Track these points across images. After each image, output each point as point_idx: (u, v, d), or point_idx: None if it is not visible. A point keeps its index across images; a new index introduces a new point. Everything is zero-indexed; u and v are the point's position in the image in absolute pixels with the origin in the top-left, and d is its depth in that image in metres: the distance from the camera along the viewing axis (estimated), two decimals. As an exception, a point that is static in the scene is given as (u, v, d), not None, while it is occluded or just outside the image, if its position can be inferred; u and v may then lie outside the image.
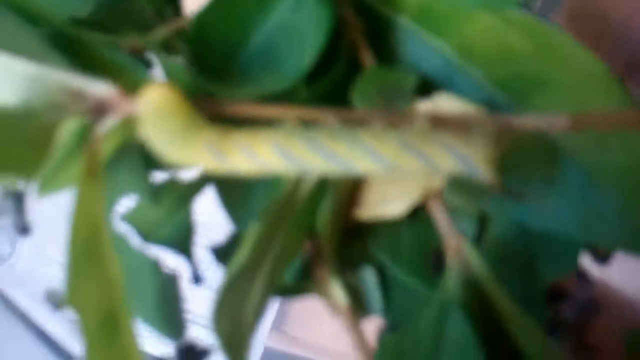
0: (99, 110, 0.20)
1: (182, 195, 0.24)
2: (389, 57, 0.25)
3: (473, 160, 0.19)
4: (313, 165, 0.19)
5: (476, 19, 0.23)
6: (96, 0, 0.25)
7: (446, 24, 0.24)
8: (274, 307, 0.66)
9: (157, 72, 0.24)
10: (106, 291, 0.20)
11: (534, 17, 0.23)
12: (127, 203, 0.25)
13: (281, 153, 0.19)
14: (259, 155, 0.19)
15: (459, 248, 0.22)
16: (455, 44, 0.24)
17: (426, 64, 0.24)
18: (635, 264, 0.23)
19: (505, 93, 0.23)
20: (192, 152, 0.19)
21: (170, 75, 0.21)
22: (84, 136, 0.20)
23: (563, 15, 0.30)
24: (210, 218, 0.27)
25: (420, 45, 0.24)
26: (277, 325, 0.67)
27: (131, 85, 0.20)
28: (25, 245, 0.64)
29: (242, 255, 0.20)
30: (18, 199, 0.33)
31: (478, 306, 0.22)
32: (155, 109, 0.19)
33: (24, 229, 0.41)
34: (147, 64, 0.25)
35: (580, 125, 0.20)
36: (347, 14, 0.24)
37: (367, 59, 0.24)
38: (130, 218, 0.25)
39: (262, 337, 0.65)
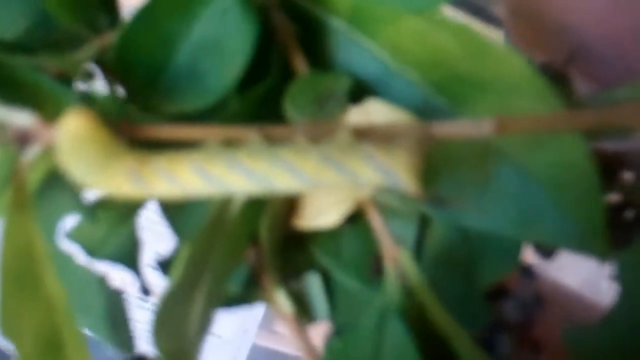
0: (22, 140, 0.20)
1: (124, 210, 0.24)
2: (323, 62, 0.24)
3: (394, 171, 0.19)
4: (235, 185, 0.19)
5: (406, 21, 0.23)
6: (26, 22, 0.24)
7: (378, 26, 0.24)
8: (262, 305, 0.66)
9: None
10: (45, 316, 0.20)
11: (465, 19, 0.23)
12: (74, 220, 0.26)
13: (202, 175, 0.19)
14: (180, 178, 0.19)
15: (395, 254, 0.22)
16: (388, 47, 0.24)
17: (361, 68, 0.24)
18: (579, 258, 0.23)
19: (441, 96, 0.23)
20: (111, 179, 0.19)
21: (92, 98, 0.21)
22: (11, 166, 0.20)
23: (503, 11, 0.30)
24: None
25: (355, 49, 0.24)
26: (266, 323, 0.68)
27: (56, 111, 0.20)
28: None
29: (176, 274, 0.21)
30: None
31: (416, 312, 0.22)
32: (72, 137, 0.19)
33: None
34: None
35: (506, 129, 0.20)
36: (277, 18, 0.24)
37: (301, 64, 0.24)
38: (75, 235, 0.25)
39: (251, 336, 0.66)
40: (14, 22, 0.24)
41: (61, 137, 0.19)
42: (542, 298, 0.28)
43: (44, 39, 0.24)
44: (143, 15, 0.21)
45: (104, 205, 0.23)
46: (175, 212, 0.24)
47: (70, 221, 0.26)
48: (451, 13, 0.26)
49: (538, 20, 0.27)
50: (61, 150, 0.19)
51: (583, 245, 0.22)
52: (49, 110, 0.20)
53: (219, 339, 0.64)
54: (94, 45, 0.24)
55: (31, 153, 0.20)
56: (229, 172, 0.19)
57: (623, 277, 0.23)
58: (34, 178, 0.21)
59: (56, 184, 0.23)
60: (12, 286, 0.20)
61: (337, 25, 0.24)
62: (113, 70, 0.22)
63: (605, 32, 0.26)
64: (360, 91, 0.24)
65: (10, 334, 0.20)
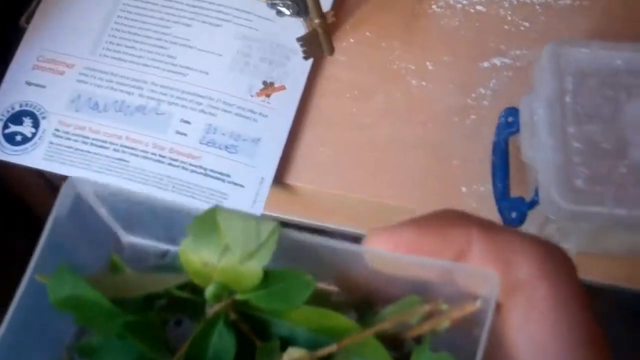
0: None
1: None
2: (263, 338, 0.55)
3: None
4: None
5: (297, 311, 0.54)
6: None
7: (286, 314, 0.54)
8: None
9: None
10: None
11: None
12: None
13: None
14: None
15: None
16: (292, 322, 0.54)
17: (284, 332, 0.55)
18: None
19: (322, 336, 0.54)
20: None
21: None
22: None
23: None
24: None
25: (280, 327, 0.55)
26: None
27: None
28: None
29: None
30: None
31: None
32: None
33: None
34: None
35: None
36: (241, 325, 0.55)
37: (258, 342, 0.54)
38: None
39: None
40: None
41: None
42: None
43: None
44: (192, 343, 0.51)
45: None
46: None
47: None
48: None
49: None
50: None
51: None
52: None
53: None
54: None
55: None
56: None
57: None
58: None
59: None
60: None
61: (268, 318, 0.55)
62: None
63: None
64: (285, 344, 0.54)
65: None
